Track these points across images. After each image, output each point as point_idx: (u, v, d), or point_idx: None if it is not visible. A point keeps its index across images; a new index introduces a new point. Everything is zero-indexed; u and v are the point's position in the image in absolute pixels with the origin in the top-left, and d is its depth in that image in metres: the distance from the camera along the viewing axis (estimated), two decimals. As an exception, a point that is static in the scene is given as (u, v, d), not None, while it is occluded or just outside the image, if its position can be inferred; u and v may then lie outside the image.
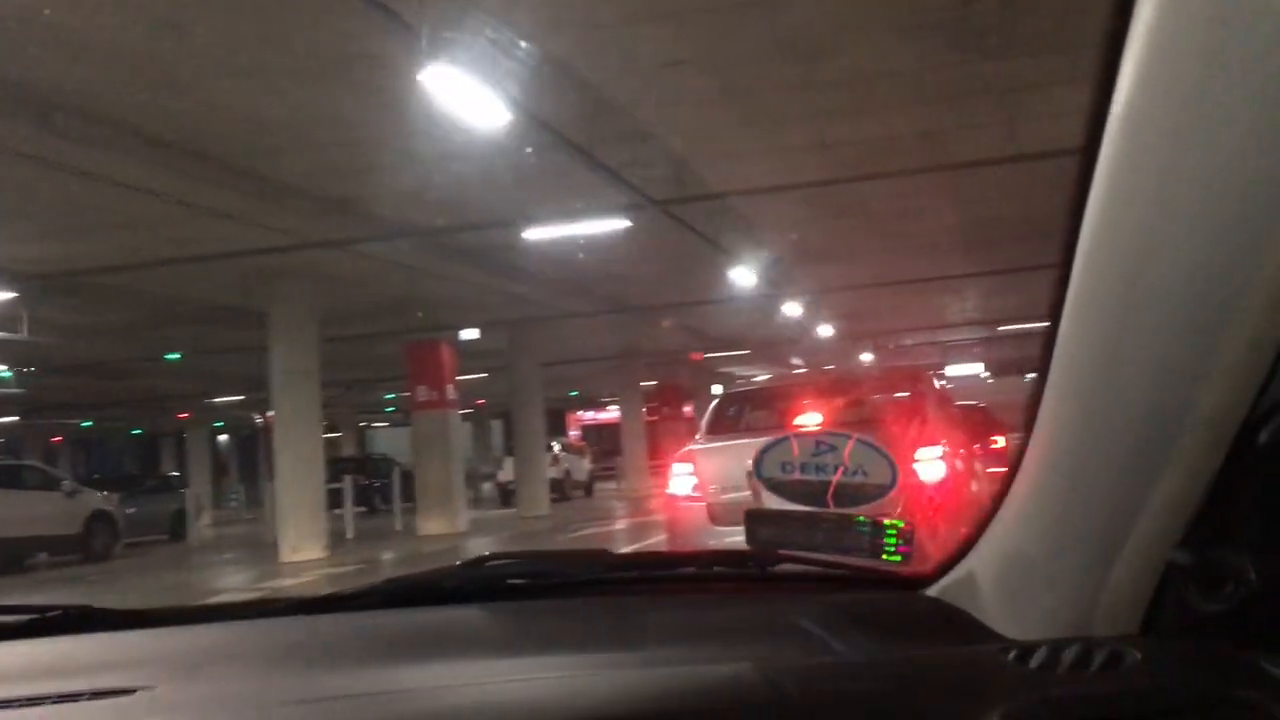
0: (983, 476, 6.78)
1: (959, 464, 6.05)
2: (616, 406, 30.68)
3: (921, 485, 5.66)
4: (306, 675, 1.15)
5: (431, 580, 1.45)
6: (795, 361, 28.19)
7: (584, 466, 30.53)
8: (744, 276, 14.43)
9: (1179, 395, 0.81)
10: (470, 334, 18.31)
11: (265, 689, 1.10)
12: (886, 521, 1.38)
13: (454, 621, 1.30)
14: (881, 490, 1.63)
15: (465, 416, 41.83)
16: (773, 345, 26.26)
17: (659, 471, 30.28)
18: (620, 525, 18.18)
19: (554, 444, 28.76)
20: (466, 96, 7.32)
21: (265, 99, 8.21)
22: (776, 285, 16.57)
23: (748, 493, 5.47)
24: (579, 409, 52.54)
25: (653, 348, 25.71)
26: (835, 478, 1.64)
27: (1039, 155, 9.89)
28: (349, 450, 37.41)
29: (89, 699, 1.06)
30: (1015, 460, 1.08)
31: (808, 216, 13.18)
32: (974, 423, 9.60)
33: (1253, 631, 0.88)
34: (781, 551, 1.41)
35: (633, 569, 1.52)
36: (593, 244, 13.16)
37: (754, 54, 8.00)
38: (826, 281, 17.52)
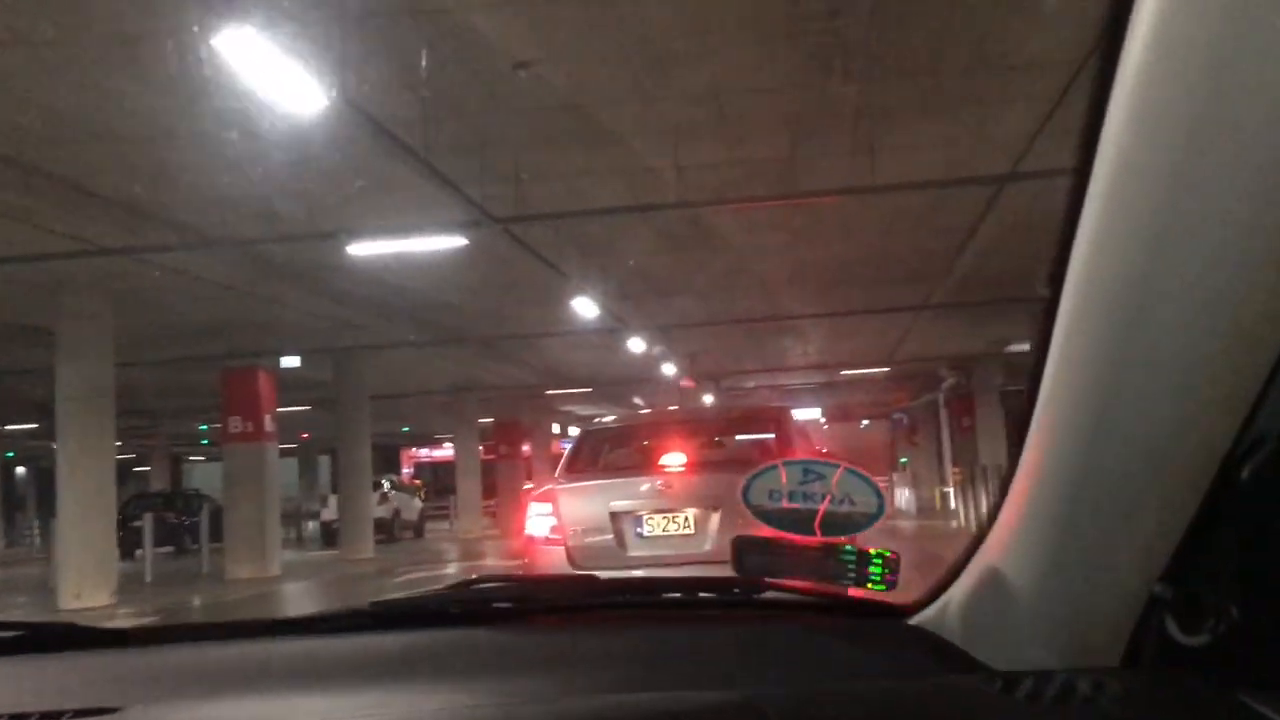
0: None
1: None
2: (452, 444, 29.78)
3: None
4: (290, 698, 1.16)
5: (417, 603, 1.47)
6: (637, 401, 27.62)
7: (415, 506, 29.13)
8: (587, 308, 13.70)
9: (1164, 430, 0.82)
10: (292, 362, 16.99)
11: (249, 711, 1.13)
12: (872, 550, 1.41)
13: (439, 644, 1.31)
14: (869, 519, 1.61)
15: (292, 451, 40.03)
16: (615, 383, 25.61)
17: (492, 512, 29.47)
18: (449, 570, 17.08)
19: (384, 481, 27.44)
20: (281, 84, 6.40)
21: (39, 79, 7.06)
22: (621, 319, 15.91)
23: (610, 536, 5.34)
24: (414, 445, 50.94)
25: (490, 382, 24.69)
26: (823, 506, 1.62)
27: (897, 187, 9.52)
28: (159, 485, 35.00)
29: (72, 717, 1.08)
30: (1000, 489, 1.08)
31: (656, 246, 12.57)
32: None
33: (1234, 666, 0.89)
34: (767, 579, 1.42)
35: (619, 594, 1.50)
36: (427, 266, 12.22)
37: (607, 57, 7.31)
38: (672, 317, 16.96)
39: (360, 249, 10.39)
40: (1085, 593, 0.96)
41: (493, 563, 18.41)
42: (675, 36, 7.17)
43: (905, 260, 13.75)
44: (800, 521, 1.61)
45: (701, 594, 1.48)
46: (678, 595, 1.50)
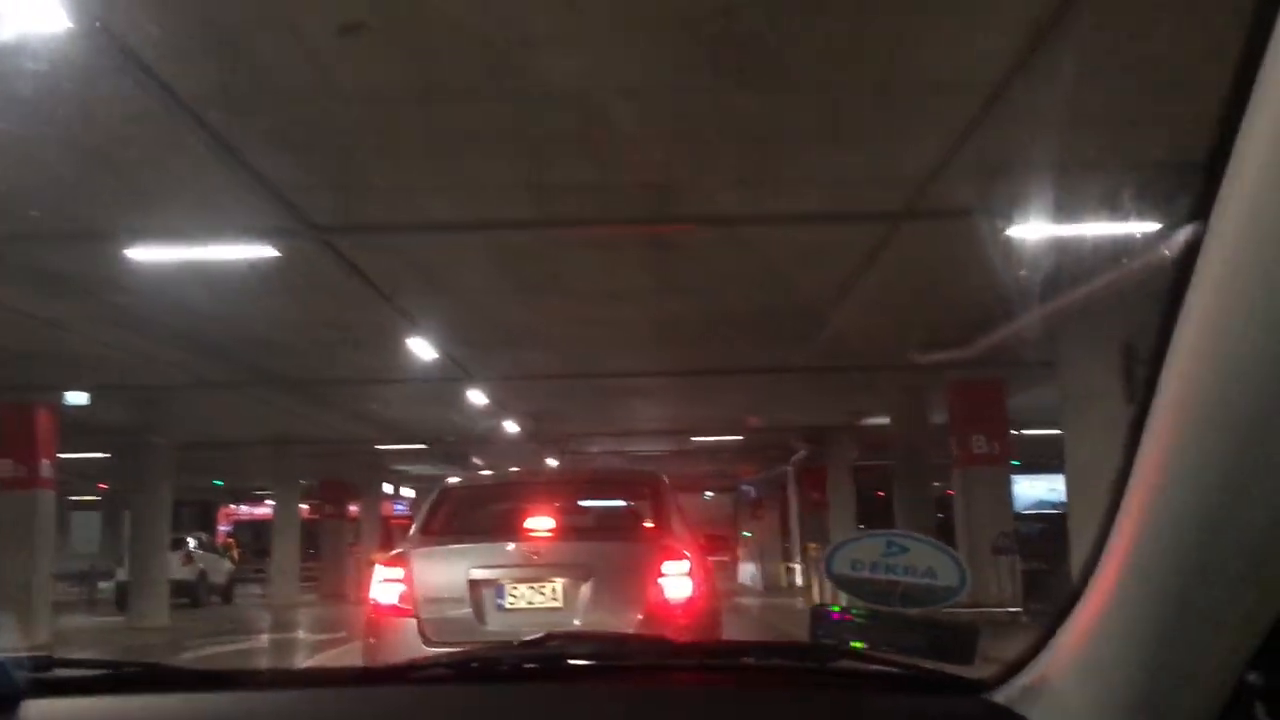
0: (718, 593, 6.14)
1: (703, 579, 5.40)
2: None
3: (668, 605, 5.09)
4: None
5: (493, 657, 1.49)
6: (476, 462, 25.93)
7: (224, 568, 26.69)
8: (425, 352, 12.21)
9: (1264, 510, 0.80)
10: (79, 399, 14.87)
11: None
12: (953, 623, 1.41)
13: (514, 700, 1.33)
14: (950, 592, 1.63)
15: (96, 505, 36.57)
16: (453, 441, 23.92)
17: (313, 576, 27.21)
18: (254, 644, 15.07)
19: (190, 540, 25.04)
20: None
21: None
22: (462, 368, 14.46)
23: (467, 607, 4.86)
24: (234, 501, 47.65)
25: (317, 435, 22.68)
26: (905, 579, 1.63)
27: (781, 220, 8.49)
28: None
29: None
30: (1089, 563, 1.05)
31: (504, 286, 11.26)
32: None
33: None
34: (843, 648, 1.42)
35: (692, 656, 1.54)
36: (240, 292, 10.59)
37: (458, 24, 6.02)
38: (518, 369, 15.57)
39: (146, 254, 8.67)
40: (1177, 676, 0.94)
41: (305, 636, 16.48)
42: (539, 12, 5.95)
43: (774, 317, 12.79)
44: (881, 592, 1.67)
45: (775, 659, 1.50)
46: (751, 660, 1.51)
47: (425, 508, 6.13)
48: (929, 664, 1.36)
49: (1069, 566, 10.32)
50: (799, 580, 26.15)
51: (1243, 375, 0.76)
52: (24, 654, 1.34)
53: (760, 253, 10.17)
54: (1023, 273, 9.27)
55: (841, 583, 1.71)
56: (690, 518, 6.50)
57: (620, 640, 1.88)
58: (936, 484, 18.32)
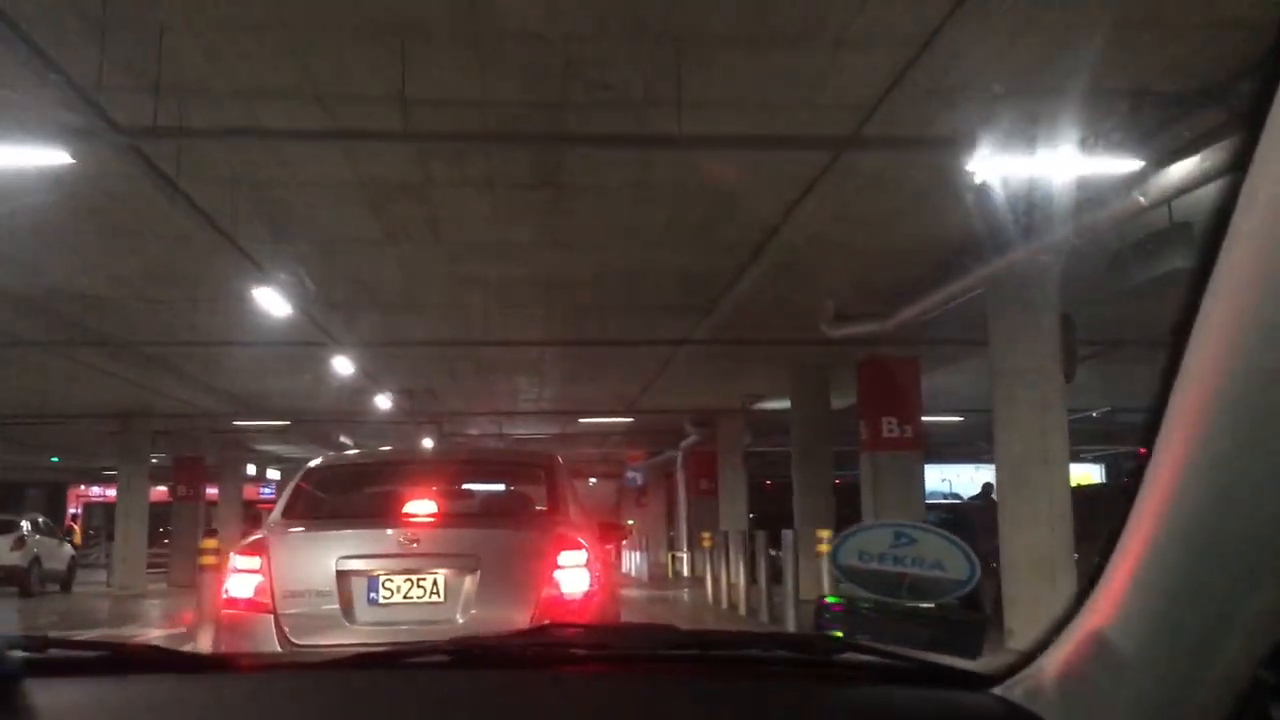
0: (617, 585, 5.71)
1: (599, 572, 4.85)
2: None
3: (564, 600, 4.61)
4: None
5: (494, 644, 1.51)
6: (344, 441, 24.13)
7: (64, 553, 24.29)
8: (277, 310, 10.57)
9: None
10: None
11: None
12: (959, 616, 1.43)
13: (516, 686, 1.33)
14: (959, 585, 1.60)
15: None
16: (317, 419, 22.09)
17: (163, 563, 25.07)
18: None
19: (24, 522, 22.72)
20: None
21: None
22: (324, 330, 12.86)
23: (335, 604, 4.52)
24: (86, 482, 44.66)
25: (167, 409, 20.66)
26: (912, 570, 1.61)
27: (700, 142, 7.24)
28: None
29: None
30: (1101, 555, 1.03)
31: (371, 233, 9.78)
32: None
33: None
34: (848, 640, 1.43)
35: (695, 646, 1.47)
36: (45, 229, 8.89)
37: None
38: (390, 335, 14.02)
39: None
40: (1190, 672, 0.92)
41: (142, 631, 14.66)
42: None
43: (674, 280, 11.58)
44: (888, 584, 1.61)
45: (779, 651, 1.48)
46: (754, 651, 1.48)
47: (289, 488, 5.44)
48: (935, 657, 1.36)
49: (989, 561, 9.32)
50: (685, 571, 25.13)
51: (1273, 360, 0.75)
52: (19, 634, 1.33)
53: (666, 198, 8.92)
54: (963, 221, 8.23)
55: (848, 573, 1.66)
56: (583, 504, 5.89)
57: (623, 630, 1.70)
58: (838, 472, 17.37)
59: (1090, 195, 6.92)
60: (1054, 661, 1.13)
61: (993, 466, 26.15)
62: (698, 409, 21.76)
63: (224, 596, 4.77)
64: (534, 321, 13.46)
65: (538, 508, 5.51)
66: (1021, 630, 8.64)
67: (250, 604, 4.64)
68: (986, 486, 23.86)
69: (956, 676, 1.31)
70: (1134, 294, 8.15)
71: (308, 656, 1.47)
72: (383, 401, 18.21)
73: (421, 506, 5.05)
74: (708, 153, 7.07)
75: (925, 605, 1.50)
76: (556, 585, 4.63)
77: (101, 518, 39.65)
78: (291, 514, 5.18)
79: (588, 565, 4.72)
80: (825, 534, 10.88)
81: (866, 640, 1.39)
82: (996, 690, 1.23)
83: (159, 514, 25.90)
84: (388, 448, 14.30)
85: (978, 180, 6.91)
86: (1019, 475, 9.08)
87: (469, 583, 4.60)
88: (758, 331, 13.37)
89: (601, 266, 11.10)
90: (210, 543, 10.66)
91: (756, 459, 25.18)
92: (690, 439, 24.17)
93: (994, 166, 6.33)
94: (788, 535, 11.80)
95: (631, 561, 26.27)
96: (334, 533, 4.93)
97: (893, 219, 9.21)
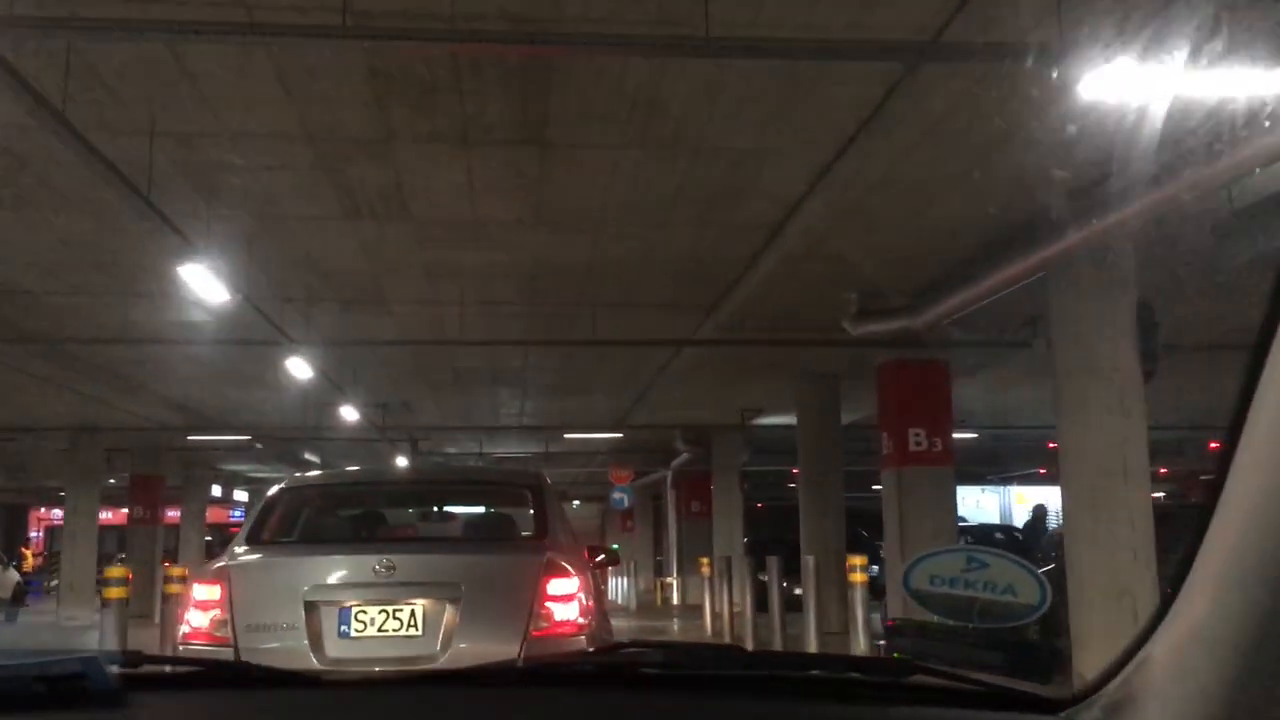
0: (607, 615, 5.06)
1: (593, 600, 4.48)
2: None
3: (554, 631, 4.21)
4: None
5: (567, 663, 1.57)
6: (311, 459, 22.49)
7: (7, 580, 22.57)
8: (212, 290, 8.99)
9: None
10: None
11: None
12: (1031, 640, 0.70)
13: (587, 706, 1.33)
14: (1030, 610, 1.26)
15: None
16: (280, 435, 20.48)
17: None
18: None
19: (-36, 547, 21.06)
20: None
21: None
22: (279, 329, 11.34)
23: (303, 637, 4.18)
24: (48, 505, 42.72)
25: (123, 424, 19.05)
26: (983, 595, 1.28)
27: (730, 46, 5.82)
28: None
29: None
30: (1174, 579, 1.02)
31: (325, 206, 8.33)
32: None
33: None
34: (917, 662, 1.39)
35: (765, 667, 1.52)
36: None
37: None
38: (352, 332, 12.51)
39: None
40: (1265, 705, 0.88)
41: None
42: None
43: (676, 271, 10.17)
44: (959, 608, 1.33)
45: (849, 673, 1.45)
46: (824, 673, 1.48)
47: (255, 511, 5.11)
48: (1006, 681, 1.34)
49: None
50: (675, 598, 23.58)
51: None
52: (117, 651, 1.49)
53: (673, 161, 7.50)
54: (1029, 188, 6.83)
55: (919, 597, 1.06)
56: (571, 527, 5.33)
57: (694, 649, 1.64)
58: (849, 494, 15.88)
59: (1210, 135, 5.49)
60: (1126, 689, 1.11)
61: (1000, 489, 24.77)
62: (691, 424, 20.28)
63: (183, 629, 4.41)
64: (516, 320, 11.98)
65: (523, 532, 5.14)
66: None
67: (210, 637, 4.28)
68: (1039, 509, 22.45)
69: (1027, 701, 1.30)
70: (1210, 286, 6.84)
71: (390, 675, 1.39)
72: (353, 416, 16.64)
73: (398, 531, 4.82)
74: (740, 65, 5.61)
75: (996, 629, 1.51)
76: (546, 616, 4.27)
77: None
78: (256, 539, 4.78)
79: (578, 594, 4.36)
80: (858, 560, 9.40)
81: (936, 663, 1.41)
82: (1067, 714, 1.21)
83: (119, 538, 24.18)
84: (360, 467, 13.20)
85: (1070, 124, 5.50)
86: (1093, 492, 7.63)
87: (450, 614, 4.22)
88: (768, 332, 11.93)
89: (594, 253, 9.66)
90: (177, 570, 9.34)
91: (751, 480, 23.70)
92: (682, 457, 22.67)
93: (1098, 88, 4.90)
94: (808, 561, 10.40)
95: (618, 588, 24.71)
96: (302, 559, 4.63)
97: (943, 187, 7.80)
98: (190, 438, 19.33)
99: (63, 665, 1.22)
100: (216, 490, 30.11)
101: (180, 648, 4.41)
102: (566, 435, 19.68)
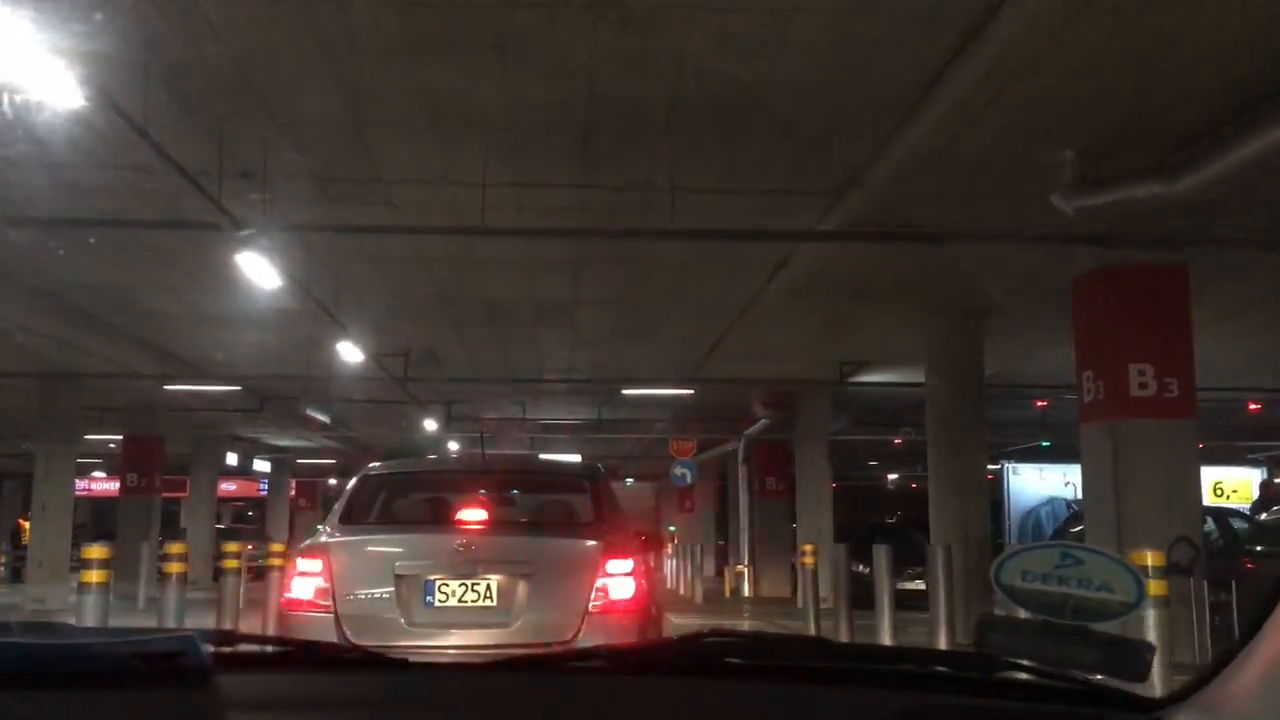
0: (661, 593, 5.76)
1: (647, 579, 4.96)
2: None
3: (612, 606, 4.74)
4: None
5: (648, 651, 1.58)
6: (324, 420, 19.13)
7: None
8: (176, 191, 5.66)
9: None
10: None
11: None
12: (1127, 638, 1.39)
13: (670, 694, 1.33)
14: (1125, 608, 1.53)
15: None
16: (280, 382, 17.20)
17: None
18: None
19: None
20: None
21: None
22: (218, 206, 7.94)
23: (394, 606, 4.74)
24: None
25: (104, 371, 15.94)
26: (1077, 592, 1.56)
27: None
28: None
29: None
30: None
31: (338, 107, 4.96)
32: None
33: None
34: (1007, 658, 1.39)
35: (851, 660, 1.52)
36: None
37: None
38: (330, 217, 9.13)
39: None
40: None
41: None
42: None
43: (793, 122, 6.73)
44: (1051, 604, 1.57)
45: (936, 667, 1.46)
46: (910, 667, 1.47)
47: (345, 494, 5.64)
48: (1100, 681, 1.32)
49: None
50: (747, 589, 20.15)
51: None
52: (211, 630, 1.38)
53: None
54: None
55: (1010, 593, 1.54)
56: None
57: (780, 641, 1.71)
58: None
59: None
60: (1227, 688, 1.11)
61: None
62: (777, 380, 16.71)
63: (287, 596, 4.97)
64: (566, 201, 8.55)
65: (584, 518, 5.63)
66: None
67: (312, 605, 4.78)
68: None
69: (1120, 699, 1.29)
70: None
71: (471, 661, 1.37)
72: (357, 359, 13.27)
73: (474, 514, 5.34)
74: None
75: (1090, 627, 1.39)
76: (605, 593, 4.73)
77: (87, 513, 35.32)
78: (349, 519, 5.34)
79: (634, 574, 4.82)
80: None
81: (1027, 659, 1.37)
82: (1164, 715, 1.20)
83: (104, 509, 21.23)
84: (435, 457, 13.58)
85: None
86: None
87: (521, 589, 4.71)
88: (918, 223, 8.41)
89: (679, 79, 6.23)
90: (177, 548, 8.64)
91: (844, 450, 20.18)
92: (760, 424, 19.13)
93: None
94: (935, 552, 7.54)
95: (680, 577, 21.31)
96: (392, 537, 5.26)
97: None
98: (167, 387, 16.09)
99: (161, 643, 1.27)
100: (232, 459, 27.08)
101: (283, 612, 5.01)
102: (626, 390, 16.17)
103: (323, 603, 4.74)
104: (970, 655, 1.41)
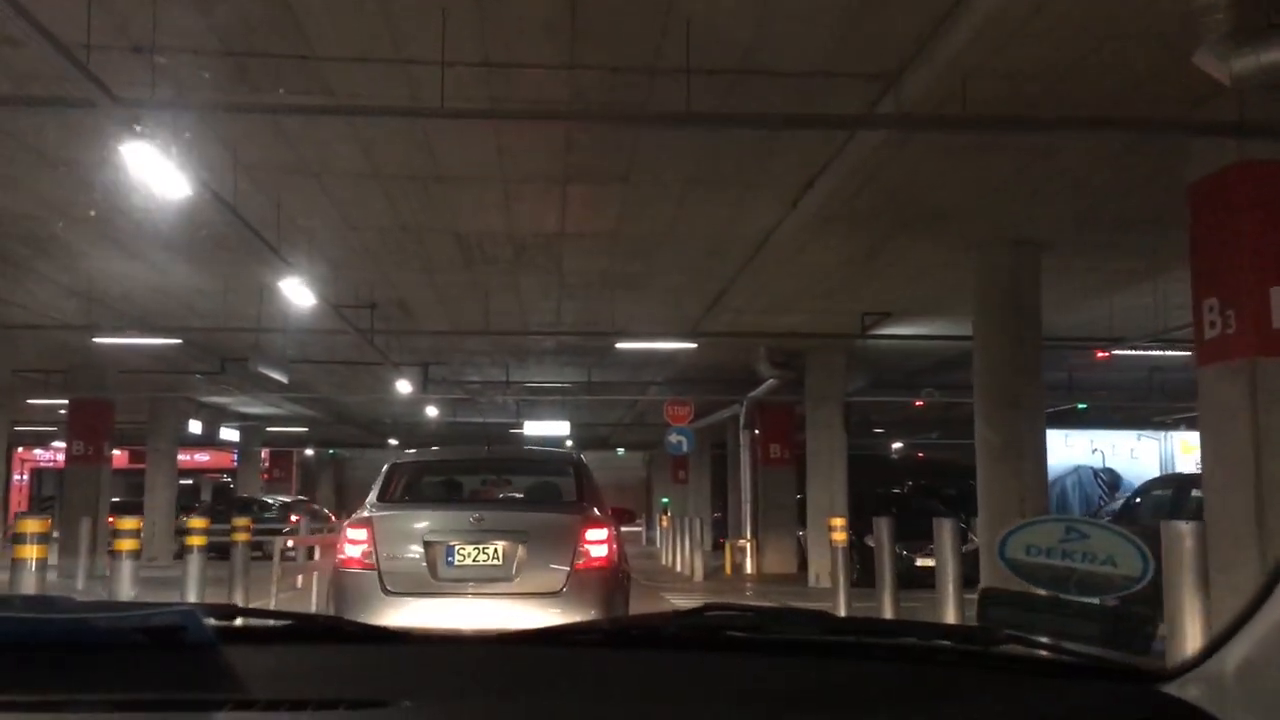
0: (627, 557, 6.93)
1: (618, 545, 6.39)
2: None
3: (591, 565, 6.06)
4: (535, 704, 1.22)
5: (651, 624, 1.51)
6: (279, 379, 17.31)
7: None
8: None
9: None
10: None
11: (503, 713, 1.21)
12: (1129, 610, 1.39)
13: (672, 667, 1.33)
14: (1130, 582, 1.51)
15: None
16: (227, 337, 15.36)
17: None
18: None
19: None
20: None
21: None
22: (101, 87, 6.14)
23: (424, 565, 6.11)
24: (30, 444, 38.37)
25: (29, 321, 14.14)
26: (1082, 566, 1.55)
27: None
28: None
29: (346, 708, 1.16)
30: None
31: None
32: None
33: None
34: (1009, 632, 1.38)
35: (852, 633, 1.51)
36: None
37: None
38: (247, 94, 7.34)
39: None
40: None
41: None
42: None
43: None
44: (1055, 578, 1.57)
45: (939, 640, 1.44)
46: (913, 640, 1.46)
47: (381, 479, 6.85)
48: (1100, 651, 1.32)
49: None
50: (749, 566, 18.53)
51: None
52: (213, 604, 1.40)
53: None
54: None
55: (1014, 567, 1.54)
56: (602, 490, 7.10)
57: (781, 614, 1.65)
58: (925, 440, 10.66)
59: None
60: (1233, 658, 1.09)
61: (1165, 435, 19.23)
62: (788, 334, 14.95)
63: (341, 557, 6.19)
64: (550, 89, 6.79)
65: (568, 497, 6.89)
66: None
67: (360, 563, 6.06)
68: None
69: (1124, 671, 1.28)
70: None
71: (476, 634, 1.40)
72: (309, 301, 11.45)
73: (482, 494, 7.65)
74: None
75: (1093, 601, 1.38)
76: (586, 554, 6.04)
77: (55, 485, 33.46)
78: (386, 498, 6.64)
79: (607, 540, 6.17)
80: None
81: (1031, 633, 1.37)
82: (1162, 686, 1.19)
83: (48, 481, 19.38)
84: (450, 448, 13.75)
85: None
86: None
87: (520, 551, 6.02)
88: (996, 110, 6.66)
89: None
90: (129, 522, 8.79)
91: (860, 411, 18.49)
92: (766, 384, 17.40)
93: None
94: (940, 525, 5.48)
95: (676, 552, 19.66)
96: (420, 511, 6.52)
97: None
98: (96, 339, 14.24)
99: (163, 617, 1.26)
100: (196, 427, 25.24)
101: (338, 569, 6.24)
102: (620, 345, 14.36)
103: (368, 562, 6.06)
104: (973, 629, 1.39)
